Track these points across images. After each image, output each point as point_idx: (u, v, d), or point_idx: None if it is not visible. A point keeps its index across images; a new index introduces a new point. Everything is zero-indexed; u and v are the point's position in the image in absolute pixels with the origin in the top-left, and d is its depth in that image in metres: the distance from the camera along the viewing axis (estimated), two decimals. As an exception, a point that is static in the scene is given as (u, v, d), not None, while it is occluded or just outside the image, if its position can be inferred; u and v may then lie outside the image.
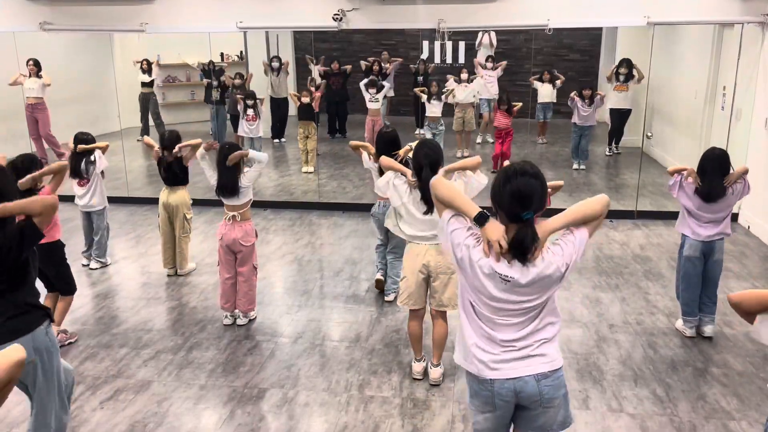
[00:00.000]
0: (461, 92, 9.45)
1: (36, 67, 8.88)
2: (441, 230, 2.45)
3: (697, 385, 3.96)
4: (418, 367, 4.04)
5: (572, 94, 9.01)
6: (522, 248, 2.26)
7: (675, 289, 4.81)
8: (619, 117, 9.47)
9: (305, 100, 8.96)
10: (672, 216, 6.85)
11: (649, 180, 8.37)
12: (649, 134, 9.05)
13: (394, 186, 3.90)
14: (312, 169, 9.18)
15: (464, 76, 9.49)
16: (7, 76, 8.78)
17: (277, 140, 10.90)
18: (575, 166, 9.24)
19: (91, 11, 7.52)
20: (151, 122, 10.71)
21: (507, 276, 2.30)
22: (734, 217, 7.06)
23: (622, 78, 9.19)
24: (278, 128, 10.83)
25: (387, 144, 4.69)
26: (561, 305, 5.05)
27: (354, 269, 5.87)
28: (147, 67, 10.51)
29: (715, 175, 4.29)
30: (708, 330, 4.50)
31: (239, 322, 4.82)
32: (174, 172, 5.63)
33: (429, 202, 3.72)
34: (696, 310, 4.50)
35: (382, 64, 10.67)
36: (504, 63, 10.24)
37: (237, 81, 9.50)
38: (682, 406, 3.74)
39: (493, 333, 2.40)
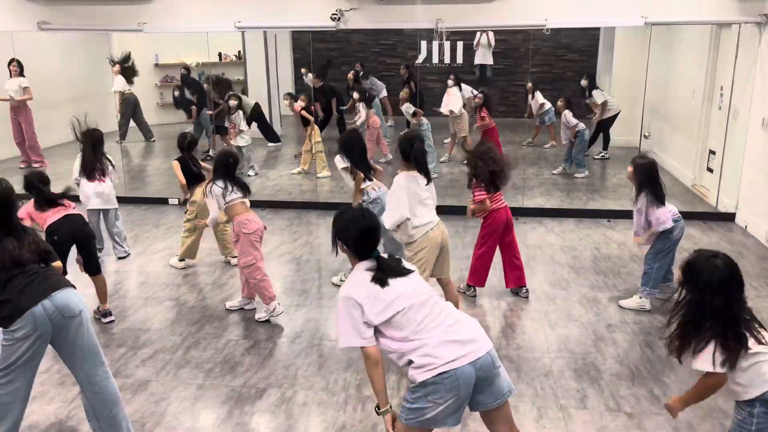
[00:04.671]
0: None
1: (18, 68, 8.80)
2: None
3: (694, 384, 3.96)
4: None
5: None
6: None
7: (645, 279, 5.01)
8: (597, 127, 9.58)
9: (303, 103, 8.88)
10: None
11: (646, 180, 8.36)
12: (647, 134, 9.06)
13: (417, 181, 4.35)
14: (296, 171, 9.20)
15: (450, 82, 9.35)
16: (4, 75, 8.76)
17: (271, 144, 10.87)
18: (558, 170, 9.14)
19: (89, 11, 7.51)
20: (131, 123, 10.67)
21: None
22: (731, 217, 7.08)
23: (587, 94, 9.30)
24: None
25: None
26: (559, 305, 5.09)
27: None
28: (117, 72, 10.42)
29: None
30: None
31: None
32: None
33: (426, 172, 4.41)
34: None
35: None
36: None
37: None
38: (679, 405, 3.75)
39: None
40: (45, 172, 5.06)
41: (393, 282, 2.70)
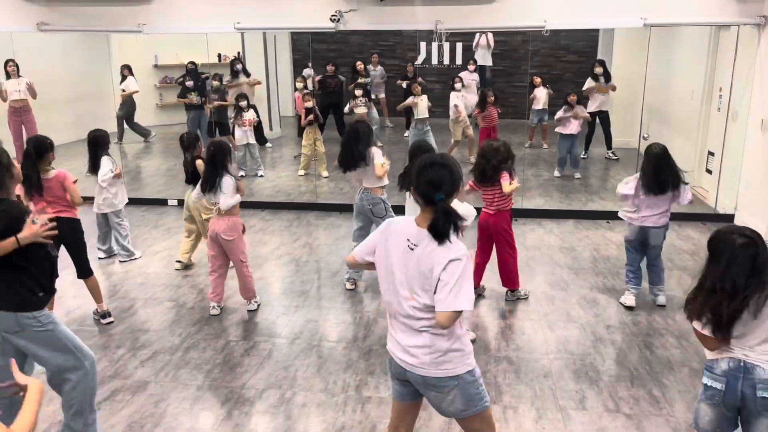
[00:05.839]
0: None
1: (16, 68, 8.77)
2: None
3: (693, 385, 3.97)
4: None
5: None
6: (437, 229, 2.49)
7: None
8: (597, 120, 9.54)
9: (308, 104, 8.85)
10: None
11: (645, 181, 8.36)
12: (646, 135, 9.06)
13: None
14: (302, 173, 9.19)
15: (458, 86, 9.35)
16: (3, 76, 8.75)
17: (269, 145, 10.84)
18: (556, 173, 9.11)
19: (89, 11, 7.51)
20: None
21: None
22: (731, 219, 7.09)
23: (602, 79, 9.27)
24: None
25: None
26: (558, 306, 5.09)
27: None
28: (128, 74, 10.44)
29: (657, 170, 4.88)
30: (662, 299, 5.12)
31: (249, 308, 5.05)
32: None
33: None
34: None
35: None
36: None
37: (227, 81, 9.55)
38: (678, 406, 3.76)
39: None
40: (44, 138, 4.89)
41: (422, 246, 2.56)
